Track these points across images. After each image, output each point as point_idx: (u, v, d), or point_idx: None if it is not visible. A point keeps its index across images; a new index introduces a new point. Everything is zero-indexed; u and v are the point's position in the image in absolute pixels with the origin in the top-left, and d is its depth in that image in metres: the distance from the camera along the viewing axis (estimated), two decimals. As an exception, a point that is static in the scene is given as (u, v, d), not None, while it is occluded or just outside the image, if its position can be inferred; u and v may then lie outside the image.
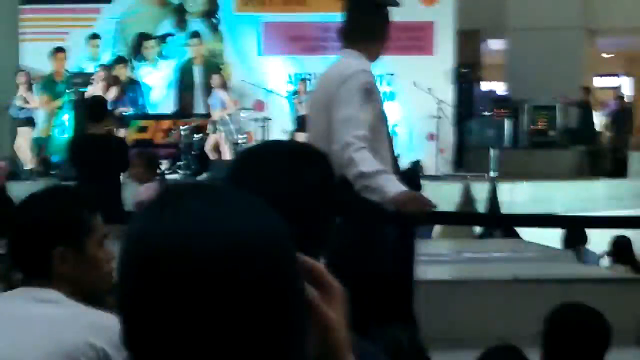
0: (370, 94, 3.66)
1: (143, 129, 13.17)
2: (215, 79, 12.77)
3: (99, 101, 7.78)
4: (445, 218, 4.87)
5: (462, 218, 5.58)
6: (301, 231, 0.98)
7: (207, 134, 12.54)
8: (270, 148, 1.76)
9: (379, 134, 3.73)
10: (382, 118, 3.83)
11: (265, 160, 1.62)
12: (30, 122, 12.41)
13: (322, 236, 1.57)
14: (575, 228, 7.94)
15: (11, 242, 2.02)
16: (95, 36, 13.80)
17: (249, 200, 0.92)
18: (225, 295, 0.84)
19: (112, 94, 12.10)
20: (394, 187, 3.41)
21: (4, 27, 13.79)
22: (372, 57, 3.84)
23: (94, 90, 12.09)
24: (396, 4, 3.92)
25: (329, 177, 1.64)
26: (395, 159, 3.99)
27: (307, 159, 1.64)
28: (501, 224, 5.64)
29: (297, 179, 1.58)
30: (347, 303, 0.99)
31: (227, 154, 12.09)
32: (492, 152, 11.60)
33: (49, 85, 13.60)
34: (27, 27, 13.79)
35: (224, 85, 12.81)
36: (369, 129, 3.59)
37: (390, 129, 4.12)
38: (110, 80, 12.46)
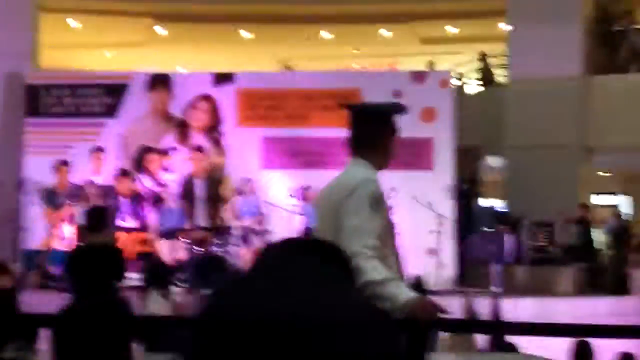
0: (378, 203, 3.69)
1: (145, 242, 13.19)
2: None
3: (98, 211, 7.82)
4: (455, 325, 4.82)
5: (473, 325, 5.50)
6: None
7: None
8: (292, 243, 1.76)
9: (387, 243, 3.74)
10: (389, 227, 3.85)
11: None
12: None
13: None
14: (583, 347, 7.86)
15: None
16: (99, 149, 13.97)
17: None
18: None
19: None
20: (404, 293, 3.40)
21: (10, 140, 14.00)
22: (379, 166, 3.87)
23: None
24: (401, 112, 3.98)
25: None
26: (401, 268, 3.99)
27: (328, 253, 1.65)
28: (512, 333, 5.58)
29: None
30: None
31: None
32: (493, 267, 11.58)
33: (52, 197, 13.66)
34: (32, 141, 13.97)
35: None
36: (377, 238, 3.61)
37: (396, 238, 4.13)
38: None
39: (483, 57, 19.07)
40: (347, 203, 3.65)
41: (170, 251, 12.95)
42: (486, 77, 18.77)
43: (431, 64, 19.12)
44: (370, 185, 3.69)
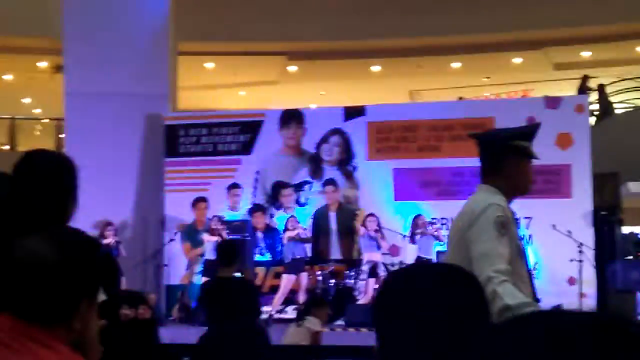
0: (504, 227, 3.64)
1: (280, 275, 13.41)
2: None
3: (228, 246, 8.02)
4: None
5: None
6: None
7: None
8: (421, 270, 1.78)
9: (517, 268, 3.69)
10: (519, 252, 3.79)
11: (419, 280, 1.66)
12: None
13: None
14: None
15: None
16: (235, 186, 14.31)
17: None
18: None
19: None
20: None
21: (151, 180, 14.52)
22: (508, 192, 3.82)
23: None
24: (528, 134, 3.91)
25: (483, 296, 1.66)
26: (534, 293, 3.93)
27: (461, 279, 1.67)
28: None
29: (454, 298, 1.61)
30: None
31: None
32: (637, 295, 11.18)
33: (191, 233, 14.08)
34: (171, 179, 14.44)
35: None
36: (507, 262, 3.56)
37: (529, 264, 4.05)
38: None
39: (601, 88, 18.62)
40: (472, 230, 3.63)
41: (305, 283, 13.11)
42: (604, 107, 18.31)
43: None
44: (495, 209, 3.65)
